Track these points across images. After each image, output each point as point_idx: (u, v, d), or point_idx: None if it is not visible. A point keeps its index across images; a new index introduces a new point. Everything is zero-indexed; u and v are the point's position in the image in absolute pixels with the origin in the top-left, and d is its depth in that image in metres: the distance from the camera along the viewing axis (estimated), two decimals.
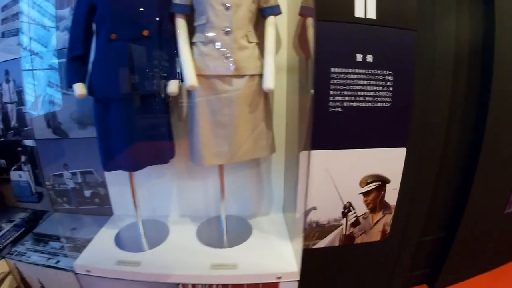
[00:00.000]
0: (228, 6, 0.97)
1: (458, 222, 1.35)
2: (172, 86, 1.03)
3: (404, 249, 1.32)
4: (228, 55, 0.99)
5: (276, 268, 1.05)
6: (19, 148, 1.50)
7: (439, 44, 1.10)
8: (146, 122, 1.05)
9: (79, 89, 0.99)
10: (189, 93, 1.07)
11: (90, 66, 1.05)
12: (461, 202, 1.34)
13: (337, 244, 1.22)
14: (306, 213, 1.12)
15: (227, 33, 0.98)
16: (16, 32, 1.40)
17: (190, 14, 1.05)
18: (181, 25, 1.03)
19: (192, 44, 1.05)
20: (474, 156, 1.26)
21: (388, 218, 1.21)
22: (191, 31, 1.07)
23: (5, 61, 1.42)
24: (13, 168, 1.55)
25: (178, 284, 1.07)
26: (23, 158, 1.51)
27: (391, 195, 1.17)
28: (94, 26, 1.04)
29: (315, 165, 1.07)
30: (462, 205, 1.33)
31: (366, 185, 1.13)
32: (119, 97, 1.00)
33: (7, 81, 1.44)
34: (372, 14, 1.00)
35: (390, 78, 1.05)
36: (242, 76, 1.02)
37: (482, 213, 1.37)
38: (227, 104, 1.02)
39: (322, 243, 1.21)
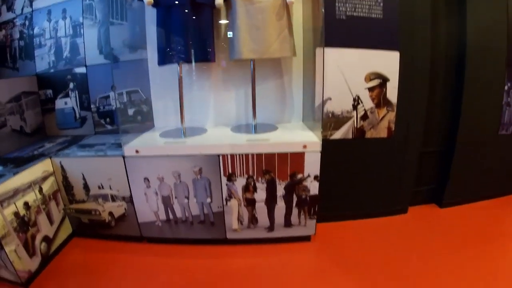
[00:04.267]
0: None
1: (455, 136, 1.58)
2: None
3: (409, 150, 1.54)
4: None
5: (302, 140, 1.26)
6: (69, 76, 1.72)
7: None
8: (197, 26, 1.33)
9: None
10: (231, 5, 1.36)
11: None
12: (456, 115, 1.58)
13: (350, 137, 1.44)
14: (324, 102, 1.36)
15: None
16: None
17: None
18: None
19: None
20: (461, 69, 1.52)
21: (392, 115, 1.46)
22: None
23: (63, 1, 1.70)
24: (60, 96, 1.75)
25: (219, 155, 1.24)
26: (71, 85, 1.72)
27: (392, 93, 1.44)
28: None
29: (328, 61, 1.36)
30: (456, 118, 1.58)
31: (370, 81, 1.40)
32: (178, 5, 1.28)
33: (64, 18, 1.71)
34: None
35: None
36: None
37: (477, 129, 1.60)
38: (260, 12, 1.32)
39: (337, 134, 1.44)
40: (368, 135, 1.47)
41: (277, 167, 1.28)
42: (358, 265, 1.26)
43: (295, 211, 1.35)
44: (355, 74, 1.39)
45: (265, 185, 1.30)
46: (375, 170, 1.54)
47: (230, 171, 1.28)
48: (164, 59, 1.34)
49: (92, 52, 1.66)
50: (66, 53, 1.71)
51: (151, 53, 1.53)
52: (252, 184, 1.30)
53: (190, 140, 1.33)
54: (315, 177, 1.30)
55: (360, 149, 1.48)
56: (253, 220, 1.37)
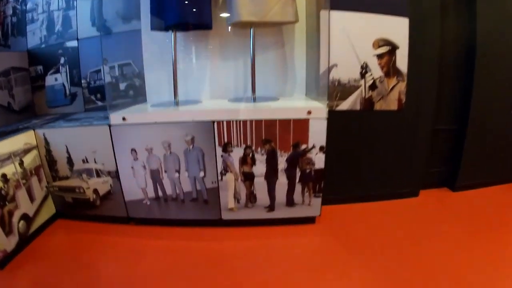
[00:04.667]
0: None
1: (468, 114, 1.46)
2: None
3: (421, 124, 1.41)
4: None
5: (306, 106, 1.14)
6: (60, 51, 1.64)
7: None
8: None
9: None
10: None
11: None
12: (468, 91, 1.46)
13: (358, 108, 1.32)
14: (329, 69, 1.25)
15: None
16: None
17: None
18: None
19: None
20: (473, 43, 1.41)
21: (402, 86, 1.35)
22: None
23: None
24: (50, 72, 1.67)
25: (213, 121, 1.13)
26: (62, 60, 1.64)
27: (402, 62, 1.33)
28: None
29: (334, 24, 1.26)
30: (469, 94, 1.45)
31: (378, 48, 1.29)
32: None
33: None
34: None
35: None
36: None
37: (489, 107, 1.48)
38: None
39: (344, 105, 1.31)
40: (377, 106, 1.35)
41: (278, 136, 1.15)
42: (367, 250, 1.12)
43: (298, 187, 1.22)
44: (362, 39, 1.28)
45: (265, 156, 1.18)
46: (385, 146, 1.40)
47: (225, 140, 1.16)
48: (156, 23, 1.26)
49: (84, 25, 1.58)
50: (58, 27, 1.64)
51: (145, 24, 1.44)
52: (251, 155, 1.18)
53: (182, 107, 1.23)
54: (321, 148, 1.17)
55: (368, 122, 1.35)
56: (251, 197, 1.24)
